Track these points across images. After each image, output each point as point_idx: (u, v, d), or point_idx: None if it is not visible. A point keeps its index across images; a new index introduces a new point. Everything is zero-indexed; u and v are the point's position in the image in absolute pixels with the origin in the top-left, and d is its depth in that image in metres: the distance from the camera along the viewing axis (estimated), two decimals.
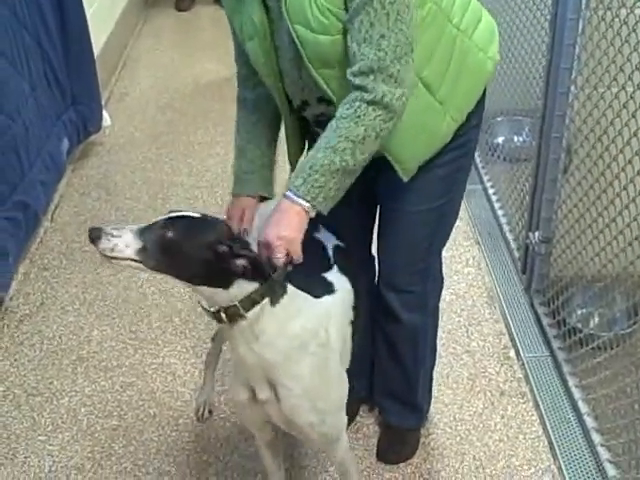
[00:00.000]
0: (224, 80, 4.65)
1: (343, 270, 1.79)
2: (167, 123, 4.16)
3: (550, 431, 2.27)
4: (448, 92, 1.67)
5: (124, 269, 3.01)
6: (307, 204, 1.50)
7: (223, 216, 1.78)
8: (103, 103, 3.97)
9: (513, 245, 3.02)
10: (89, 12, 3.67)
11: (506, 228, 3.14)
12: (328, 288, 1.73)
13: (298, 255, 1.50)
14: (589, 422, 2.25)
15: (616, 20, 2.13)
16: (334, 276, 1.77)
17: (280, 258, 1.48)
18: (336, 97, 1.60)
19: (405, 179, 1.74)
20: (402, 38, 1.48)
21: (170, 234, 1.42)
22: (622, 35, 2.10)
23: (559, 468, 2.17)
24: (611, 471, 2.10)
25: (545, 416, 2.32)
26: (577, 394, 2.34)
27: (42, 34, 3.29)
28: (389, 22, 1.46)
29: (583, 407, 2.30)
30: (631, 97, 2.10)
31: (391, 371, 2.14)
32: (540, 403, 2.36)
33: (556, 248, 2.65)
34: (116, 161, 3.81)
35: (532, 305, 2.73)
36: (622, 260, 2.20)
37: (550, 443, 2.25)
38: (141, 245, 1.42)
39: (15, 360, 2.60)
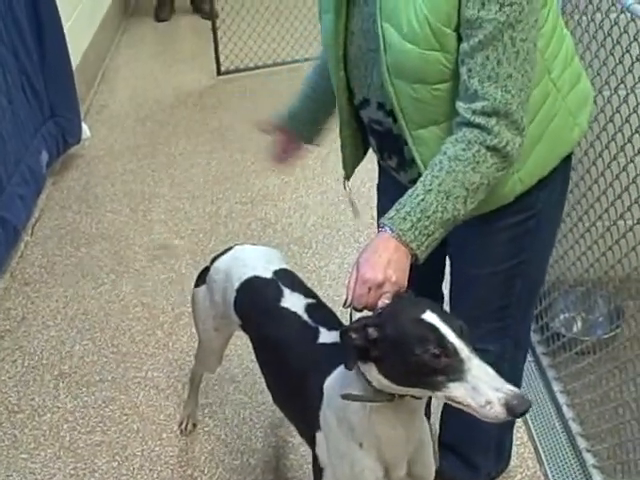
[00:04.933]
0: (205, 89, 4.65)
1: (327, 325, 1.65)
2: (147, 134, 4.14)
3: (535, 437, 2.27)
4: (524, 150, 1.45)
5: (106, 282, 3.00)
6: (411, 251, 1.35)
7: None
8: (82, 115, 3.95)
9: None
10: (67, 24, 3.65)
11: None
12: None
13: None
14: (574, 427, 2.25)
15: (591, 24, 2.15)
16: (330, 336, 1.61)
17: (385, 303, 1.32)
18: (402, 114, 1.47)
19: None
20: (526, 81, 1.36)
21: None
22: (598, 39, 2.12)
23: (545, 474, 2.17)
24: (597, 477, 2.10)
25: (530, 422, 2.31)
26: (562, 399, 2.34)
27: (19, 46, 3.26)
28: (517, 61, 1.33)
29: (568, 412, 2.30)
30: (608, 101, 2.11)
31: (452, 423, 2.01)
32: None
33: None
34: (96, 173, 3.79)
35: None
36: (603, 264, 2.21)
37: (536, 449, 2.24)
38: None
39: None
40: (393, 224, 1.36)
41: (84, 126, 3.86)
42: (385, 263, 1.33)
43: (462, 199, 1.36)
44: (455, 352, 1.21)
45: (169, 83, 4.74)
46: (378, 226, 1.41)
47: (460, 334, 1.23)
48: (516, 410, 1.17)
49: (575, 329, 2.59)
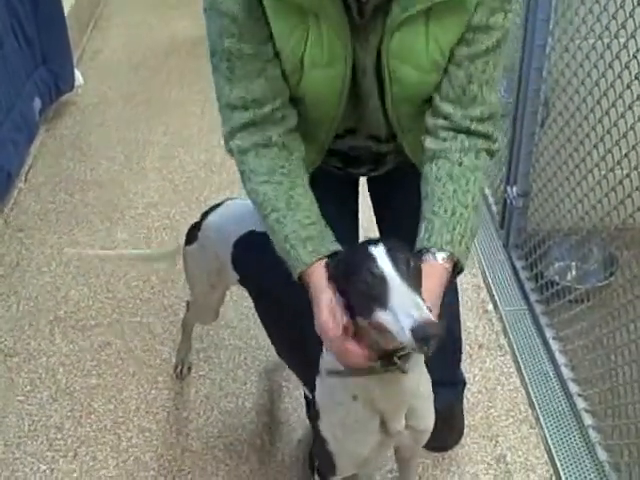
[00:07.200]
0: (200, 37, 4.52)
1: None
2: (141, 82, 4.10)
3: (528, 382, 2.29)
4: None
5: (100, 230, 2.99)
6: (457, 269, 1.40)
7: None
8: (75, 62, 3.90)
9: (491, 200, 3.02)
10: None
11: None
12: None
13: None
14: (566, 373, 2.27)
15: None
16: None
17: None
18: (402, 131, 1.51)
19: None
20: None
21: None
22: None
23: (536, 418, 2.20)
24: (587, 420, 2.13)
25: (523, 368, 2.34)
26: (554, 346, 2.36)
27: None
28: (501, 63, 1.41)
29: (560, 358, 2.32)
30: (608, 47, 2.09)
31: None
32: (518, 355, 2.38)
33: (534, 202, 2.66)
34: (90, 121, 3.75)
35: (510, 259, 2.74)
36: (598, 212, 2.21)
37: (528, 394, 2.27)
38: None
39: None
40: (459, 254, 1.37)
41: (77, 73, 3.82)
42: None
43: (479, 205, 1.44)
44: (383, 280, 1.20)
45: (163, 31, 4.67)
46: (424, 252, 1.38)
47: (397, 263, 1.21)
48: (418, 335, 1.12)
49: (569, 277, 2.61)
